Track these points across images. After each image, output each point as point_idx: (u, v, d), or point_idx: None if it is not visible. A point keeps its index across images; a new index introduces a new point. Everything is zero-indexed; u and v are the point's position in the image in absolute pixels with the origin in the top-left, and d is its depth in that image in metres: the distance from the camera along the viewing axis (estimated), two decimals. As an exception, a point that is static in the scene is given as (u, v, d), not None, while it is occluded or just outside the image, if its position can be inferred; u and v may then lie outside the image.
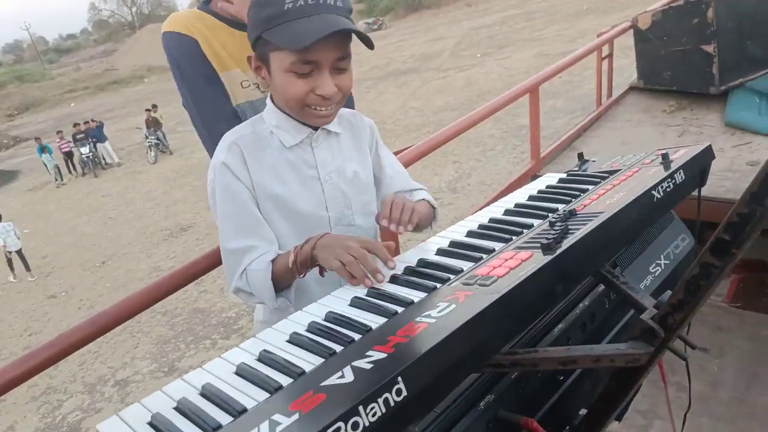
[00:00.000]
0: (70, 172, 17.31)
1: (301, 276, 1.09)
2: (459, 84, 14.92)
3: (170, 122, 17.10)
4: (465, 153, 9.30)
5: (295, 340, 0.79)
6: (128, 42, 57.40)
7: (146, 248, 9.55)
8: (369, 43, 1.10)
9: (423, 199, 1.30)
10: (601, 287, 1.10)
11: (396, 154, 2.23)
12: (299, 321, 0.84)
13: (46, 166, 16.86)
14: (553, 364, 0.78)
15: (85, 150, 16.47)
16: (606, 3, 22.09)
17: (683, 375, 1.12)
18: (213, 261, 1.65)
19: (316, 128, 1.20)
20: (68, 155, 17.25)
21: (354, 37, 1.08)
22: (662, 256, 1.21)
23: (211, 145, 1.46)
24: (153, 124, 16.47)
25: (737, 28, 3.57)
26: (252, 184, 1.16)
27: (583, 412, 1.03)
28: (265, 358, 0.75)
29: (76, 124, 17.68)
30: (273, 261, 1.11)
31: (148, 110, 17.18)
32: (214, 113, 1.44)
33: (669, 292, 0.75)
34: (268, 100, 1.21)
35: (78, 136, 16.78)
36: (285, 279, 1.11)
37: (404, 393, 0.63)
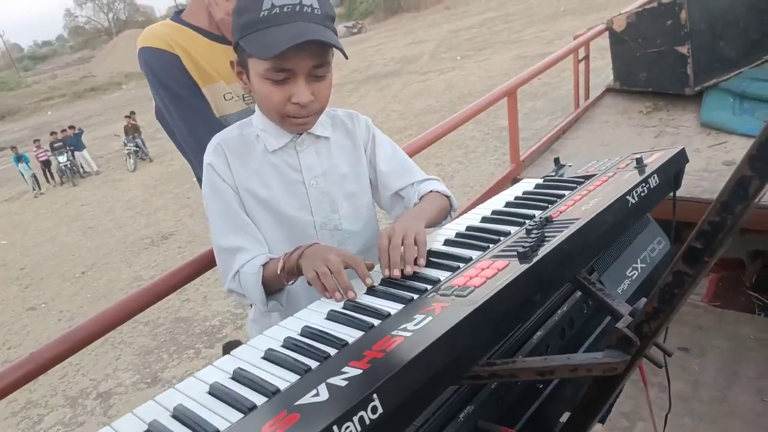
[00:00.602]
0: (48, 181, 17.03)
1: (290, 283, 1.10)
2: (440, 87, 14.98)
3: (149, 129, 16.88)
4: (447, 155, 9.33)
5: (270, 356, 0.77)
6: (105, 48, 56.82)
7: (127, 257, 9.42)
8: (343, 53, 1.09)
9: (431, 191, 1.27)
10: (580, 292, 1.10)
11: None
12: (275, 336, 0.83)
13: (23, 175, 16.56)
14: (531, 374, 0.78)
15: (62, 159, 16.22)
16: (583, 4, 22.37)
17: (665, 376, 1.13)
18: (195, 269, 1.64)
19: (300, 132, 1.19)
20: (46, 164, 16.96)
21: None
22: (639, 259, 1.22)
23: (200, 156, 1.45)
24: (132, 131, 16.28)
25: (710, 29, 3.63)
26: (236, 185, 1.17)
27: (564, 418, 1.03)
28: (239, 376, 0.73)
29: (53, 133, 17.41)
30: (264, 265, 1.11)
31: (127, 117, 16.99)
32: (205, 125, 1.43)
33: (644, 300, 0.75)
34: (256, 105, 1.21)
35: (55, 145, 16.53)
36: (275, 284, 1.11)
37: (380, 410, 0.62)
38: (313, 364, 0.73)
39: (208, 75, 1.44)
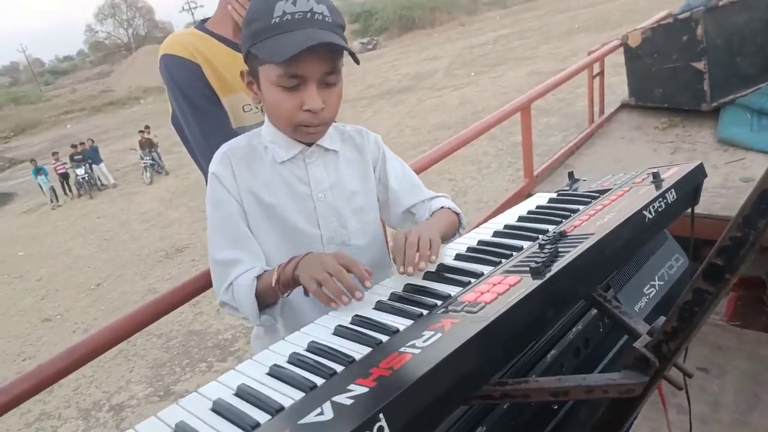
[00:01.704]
0: (65, 193, 17.26)
1: (285, 295, 1.06)
2: (454, 102, 14.99)
3: (166, 143, 17.08)
4: (460, 171, 9.30)
5: (275, 372, 0.75)
6: (124, 63, 57.80)
7: (141, 270, 9.47)
8: (354, 57, 1.10)
9: (442, 207, 1.26)
10: (595, 310, 1.07)
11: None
12: (280, 352, 0.81)
13: (41, 187, 16.79)
14: (544, 395, 0.75)
15: (80, 171, 16.44)
16: (597, 21, 22.35)
17: (684, 396, 1.09)
18: (207, 281, 1.62)
19: (309, 144, 1.18)
20: (64, 177, 17.19)
21: (347, 55, 1.08)
22: (656, 277, 1.19)
23: None
24: (147, 145, 16.48)
25: (726, 44, 3.59)
26: (240, 194, 1.15)
27: (578, 440, 0.99)
28: (243, 393, 0.72)
29: (73, 146, 17.67)
30: (258, 277, 1.08)
31: (141, 131, 17.21)
32: (222, 135, 1.42)
33: (663, 318, 0.72)
34: (266, 116, 1.20)
35: (76, 157, 16.77)
36: (269, 297, 1.09)
37: (386, 431, 0.60)
38: (319, 381, 0.71)
39: (229, 85, 1.44)
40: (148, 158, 16.17)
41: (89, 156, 16.90)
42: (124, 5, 73.50)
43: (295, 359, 0.78)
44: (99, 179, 17.15)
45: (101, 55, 74.89)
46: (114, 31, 74.67)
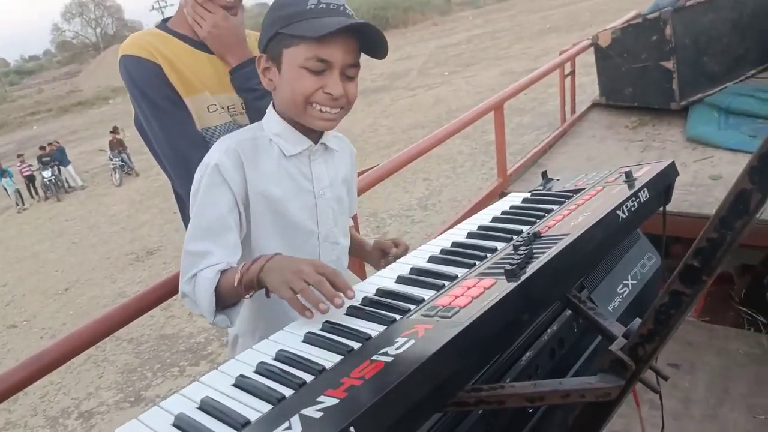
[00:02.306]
0: (32, 196, 16.82)
1: (248, 296, 1.02)
2: (428, 102, 15.03)
3: (136, 143, 16.69)
4: (435, 170, 9.33)
5: (241, 383, 0.72)
6: (93, 63, 56.66)
7: (111, 273, 9.28)
8: (383, 50, 1.12)
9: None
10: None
11: (366, 171, 2.22)
12: (247, 361, 0.78)
13: (6, 190, 16.35)
14: (520, 400, 0.73)
15: (47, 174, 16.05)
16: (568, 22, 22.66)
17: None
18: (178, 284, 1.59)
19: (315, 141, 1.20)
20: (30, 179, 16.75)
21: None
22: (629, 276, 1.18)
23: (179, 170, 1.40)
24: (117, 146, 16.17)
25: (694, 44, 3.65)
26: (245, 187, 1.13)
27: (554, 443, 0.98)
28: (207, 406, 0.68)
29: (42, 147, 17.25)
30: (222, 272, 1.04)
31: (111, 132, 16.88)
32: (185, 138, 1.38)
33: (638, 320, 0.71)
34: (270, 108, 1.20)
35: (44, 159, 16.37)
36: (230, 296, 1.04)
37: (357, 444, 0.58)
38: (288, 392, 0.68)
39: (192, 85, 1.39)
40: (117, 159, 15.86)
41: (56, 158, 16.49)
42: (92, 4, 72.07)
43: (263, 369, 0.75)
44: (66, 181, 16.76)
45: (69, 54, 73.26)
46: (82, 30, 73.19)
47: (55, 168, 16.29)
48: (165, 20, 1.50)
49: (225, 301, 1.05)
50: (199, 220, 1.11)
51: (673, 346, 2.44)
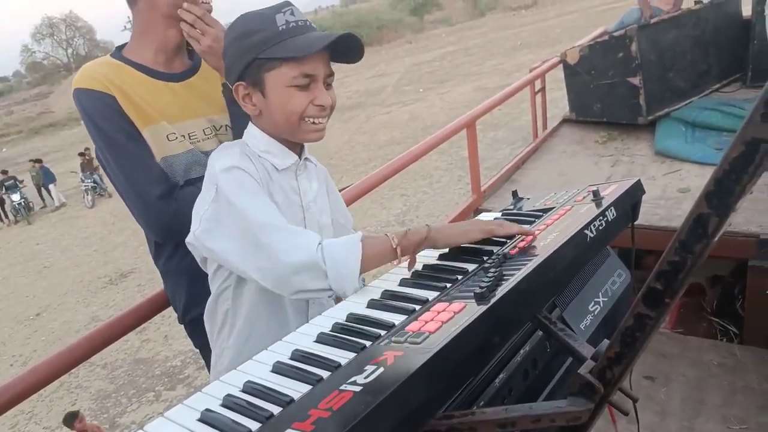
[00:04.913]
0: (1, 220, 16.45)
1: (399, 261, 1.06)
2: (403, 118, 15.15)
3: (109, 165, 16.53)
4: (412, 186, 9.37)
5: (206, 418, 0.70)
6: (64, 84, 55.88)
7: (84, 297, 9.09)
8: (358, 55, 1.18)
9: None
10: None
11: (343, 189, 2.22)
12: (214, 394, 0.76)
13: (-26, 214, 16.00)
14: (492, 427, 0.73)
15: (16, 197, 15.73)
16: (539, 38, 23.12)
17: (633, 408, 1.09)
18: (152, 308, 1.58)
19: (299, 156, 1.23)
20: (-1, 202, 16.45)
21: None
22: (600, 293, 1.19)
23: (136, 204, 1.36)
24: (88, 167, 15.95)
25: (660, 61, 3.75)
26: (263, 188, 1.13)
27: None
28: (170, 444, 0.66)
29: (4, 171, 16.93)
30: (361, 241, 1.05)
31: (81, 154, 16.67)
32: (141, 172, 1.35)
33: (606, 342, 0.71)
34: (252, 127, 1.21)
35: (6, 183, 16.08)
36: (371, 263, 1.05)
37: (324, 481, 0.56)
38: (254, 426, 0.66)
39: (148, 116, 1.36)
40: (89, 180, 15.64)
41: (46, 176, 16.65)
42: (63, 25, 71.25)
43: (230, 402, 0.73)
44: (52, 198, 16.83)
45: (39, 75, 72.08)
46: (52, 51, 72.19)
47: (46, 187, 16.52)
48: (120, 47, 1.47)
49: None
50: (262, 208, 1.07)
51: (648, 359, 2.46)
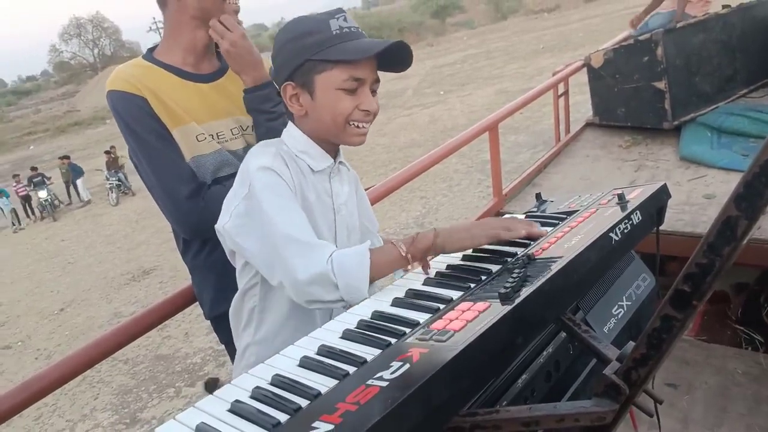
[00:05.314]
0: (28, 216, 16.80)
1: (409, 268, 1.09)
2: (424, 121, 15.13)
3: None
4: (431, 188, 9.35)
5: (236, 409, 0.72)
6: (90, 83, 56.96)
7: (107, 293, 9.23)
8: (407, 63, 1.20)
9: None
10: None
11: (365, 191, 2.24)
12: (243, 386, 0.78)
13: (2, 210, 16.31)
14: (516, 425, 0.74)
15: (43, 194, 16.04)
16: (561, 42, 22.94)
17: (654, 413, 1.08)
18: (175, 305, 1.60)
19: (334, 159, 1.25)
20: (26, 199, 16.76)
21: None
22: (624, 297, 1.19)
23: (167, 204, 1.40)
24: (113, 165, 16.21)
25: (685, 65, 3.70)
26: (294, 184, 1.16)
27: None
28: (203, 432, 0.68)
29: (33, 168, 17.28)
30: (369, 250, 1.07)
31: (107, 152, 16.94)
32: (172, 172, 1.38)
33: (632, 344, 0.71)
34: (292, 127, 1.23)
35: (34, 179, 16.43)
36: (381, 272, 1.07)
37: (352, 471, 0.58)
38: (283, 417, 0.68)
39: (178, 116, 1.38)
40: (114, 179, 15.87)
41: (72, 172, 17.02)
42: (90, 25, 72.62)
43: (259, 394, 0.75)
44: (78, 194, 17.13)
45: (66, 75, 73.56)
46: (79, 51, 73.61)
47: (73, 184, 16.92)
48: (151, 49, 1.50)
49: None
50: (287, 213, 1.10)
51: (670, 366, 2.43)
